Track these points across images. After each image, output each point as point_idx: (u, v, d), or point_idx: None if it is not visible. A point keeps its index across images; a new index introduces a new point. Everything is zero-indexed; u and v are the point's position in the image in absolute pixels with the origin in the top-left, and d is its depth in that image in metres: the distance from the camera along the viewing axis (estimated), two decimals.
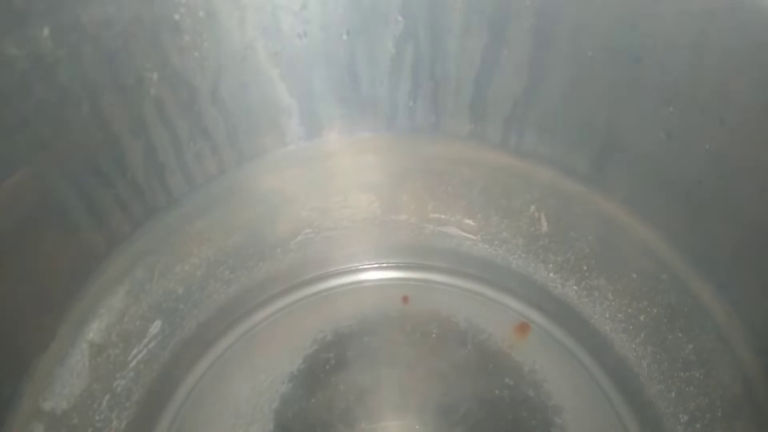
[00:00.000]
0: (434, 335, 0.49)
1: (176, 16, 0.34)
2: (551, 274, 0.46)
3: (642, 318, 0.40)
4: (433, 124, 0.42)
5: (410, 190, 0.47)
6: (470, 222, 0.48)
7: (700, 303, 0.35)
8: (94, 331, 0.40)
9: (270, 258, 0.50)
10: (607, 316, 0.44)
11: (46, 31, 0.30)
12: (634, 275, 0.40)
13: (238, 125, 0.41)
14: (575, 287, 0.45)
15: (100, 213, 0.38)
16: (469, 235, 0.49)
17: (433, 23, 0.37)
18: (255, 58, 0.38)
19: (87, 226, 0.38)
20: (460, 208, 0.47)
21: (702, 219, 0.34)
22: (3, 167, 0.33)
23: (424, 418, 0.44)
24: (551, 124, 0.39)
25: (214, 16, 0.35)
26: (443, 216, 0.49)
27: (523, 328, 0.49)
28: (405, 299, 0.51)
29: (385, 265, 0.53)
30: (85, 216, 0.38)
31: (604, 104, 0.36)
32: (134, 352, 0.44)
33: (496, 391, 0.46)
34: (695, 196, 0.34)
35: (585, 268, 0.43)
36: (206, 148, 0.41)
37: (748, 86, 0.29)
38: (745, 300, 0.32)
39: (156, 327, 0.45)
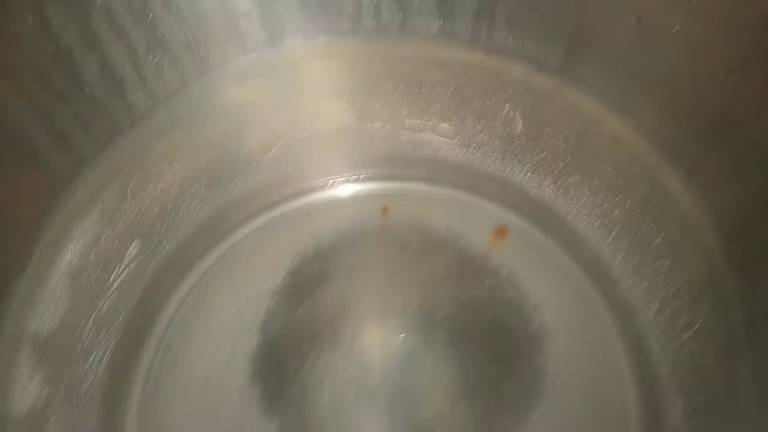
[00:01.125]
0: (414, 244, 0.49)
1: None
2: (528, 175, 0.46)
3: (617, 212, 0.40)
4: (400, 23, 0.41)
5: (383, 96, 0.46)
6: (446, 125, 0.47)
7: (669, 192, 0.35)
8: (71, 252, 0.40)
9: (244, 174, 0.49)
10: (584, 212, 0.44)
11: None
12: (609, 169, 0.40)
13: (197, 33, 0.39)
14: (552, 186, 0.45)
15: (62, 133, 0.37)
16: (446, 140, 0.48)
17: None
18: None
19: (50, 147, 0.37)
20: (435, 112, 0.47)
21: (671, 107, 0.34)
22: None
23: (406, 322, 0.45)
24: (520, 15, 0.37)
25: None
26: (419, 121, 0.48)
27: (502, 231, 0.49)
28: (385, 210, 0.51)
29: (363, 176, 0.52)
30: (47, 137, 0.37)
31: None
32: (115, 273, 0.44)
33: (477, 292, 0.46)
34: (665, 83, 0.33)
35: (561, 165, 0.43)
36: (165, 60, 0.39)
37: None
38: (712, 186, 0.32)
39: (135, 248, 0.45)
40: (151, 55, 0.38)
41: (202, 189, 0.48)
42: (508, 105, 0.43)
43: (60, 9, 0.33)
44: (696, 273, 0.34)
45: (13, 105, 0.35)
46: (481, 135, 0.46)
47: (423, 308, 0.45)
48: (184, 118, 0.43)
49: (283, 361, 0.44)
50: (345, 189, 0.52)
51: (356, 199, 0.52)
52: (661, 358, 0.38)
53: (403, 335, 0.45)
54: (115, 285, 0.44)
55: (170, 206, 0.47)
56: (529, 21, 0.37)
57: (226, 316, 0.46)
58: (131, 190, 0.43)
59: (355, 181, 0.52)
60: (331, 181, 0.52)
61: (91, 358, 0.42)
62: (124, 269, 0.44)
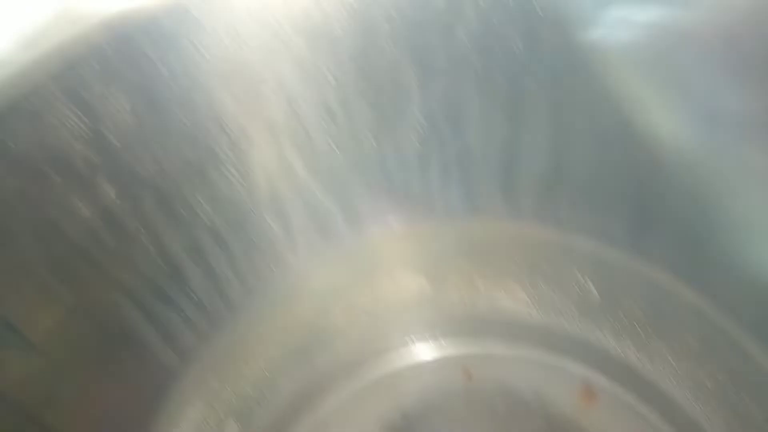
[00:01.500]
0: (501, 410, 0.49)
1: (220, 153, 0.38)
2: (610, 340, 0.46)
3: (708, 383, 0.39)
4: (468, 208, 0.44)
5: (457, 270, 0.49)
6: (522, 294, 0.48)
7: (762, 368, 0.34)
8: None
9: (332, 348, 0.52)
10: (673, 379, 0.43)
11: (110, 190, 0.33)
12: (692, 339, 0.39)
13: (289, 233, 0.44)
14: (636, 351, 0.45)
15: (168, 331, 0.42)
16: (523, 308, 0.49)
17: (454, 119, 0.39)
18: (295, 174, 0.41)
19: (158, 345, 0.41)
20: (508, 282, 0.48)
21: (749, 285, 0.34)
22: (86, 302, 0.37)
23: None
24: (582, 197, 0.39)
25: (254, 145, 0.39)
26: (493, 291, 0.49)
27: (590, 393, 0.48)
28: (468, 375, 0.51)
29: (443, 342, 0.53)
30: (155, 336, 0.41)
31: (633, 174, 0.37)
32: None
33: None
34: (735, 263, 0.33)
35: (641, 333, 0.43)
36: (264, 260, 0.44)
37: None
38: None
39: (232, 428, 0.47)
40: (246, 257, 0.43)
41: (293, 367, 0.50)
42: (579, 274, 0.44)
43: (174, 233, 0.38)
44: None
45: (128, 312, 0.39)
46: (557, 302, 0.47)
47: None
48: (276, 305, 0.47)
49: None
50: (427, 355, 0.53)
51: (439, 365, 0.53)
52: None
53: None
54: None
55: (264, 386, 0.49)
56: (590, 201, 0.39)
57: None
58: (230, 377, 0.46)
59: (437, 347, 0.54)
60: (413, 348, 0.54)
61: None
62: None
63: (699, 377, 0.40)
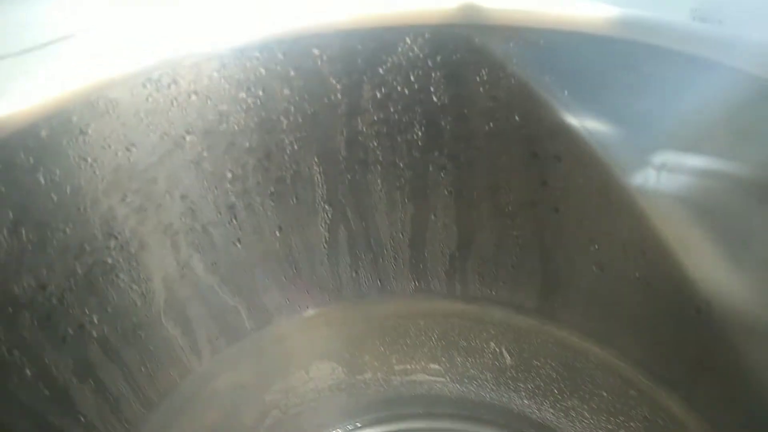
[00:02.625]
0: None
1: (109, 260, 0.34)
2: (525, 401, 0.47)
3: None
4: (378, 289, 0.43)
5: (370, 350, 0.47)
6: (436, 366, 0.48)
7: (672, 414, 0.36)
8: None
9: None
10: None
11: None
12: (604, 393, 0.41)
13: (187, 336, 0.40)
14: (551, 410, 0.46)
15: None
16: (438, 378, 0.49)
17: (359, 205, 0.39)
18: (193, 274, 0.38)
19: None
20: (422, 356, 0.48)
21: (653, 340, 0.36)
22: None
23: None
24: (489, 270, 0.40)
25: (147, 248, 0.36)
26: (408, 366, 0.49)
27: None
28: None
29: (359, 426, 0.52)
30: None
31: (534, 248, 0.38)
32: None
33: None
34: (639, 319, 0.36)
35: (556, 391, 0.44)
36: (158, 367, 0.40)
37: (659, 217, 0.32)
38: (712, 409, 0.34)
39: None
40: (143, 368, 0.39)
41: None
42: (492, 343, 0.44)
43: (57, 353, 0.34)
44: None
45: None
46: (472, 370, 0.47)
47: None
48: (180, 415, 0.43)
49: None
50: None
51: None
52: None
53: None
54: None
55: None
56: (498, 273, 0.40)
57: None
58: None
59: (354, 430, 0.52)
60: None
61: None
62: None
63: (613, 428, 0.41)
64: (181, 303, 0.39)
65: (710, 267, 0.30)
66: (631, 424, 0.40)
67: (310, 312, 0.44)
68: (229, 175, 0.36)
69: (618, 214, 0.33)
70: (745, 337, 0.30)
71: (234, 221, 0.38)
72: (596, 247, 0.35)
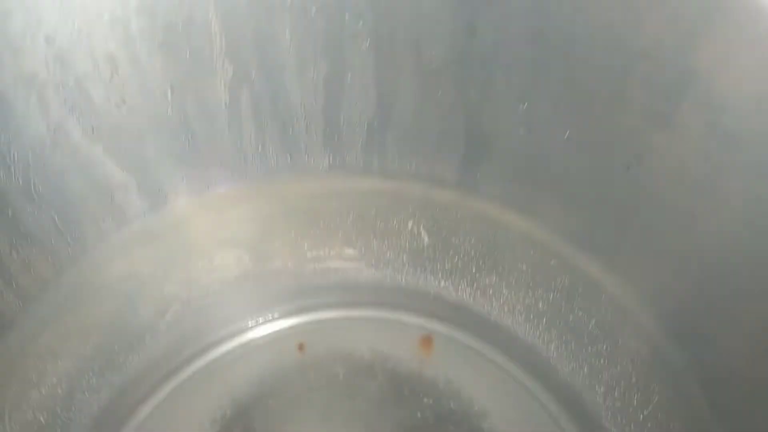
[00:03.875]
0: (341, 376, 0.47)
1: None
2: (442, 283, 0.46)
3: (540, 305, 0.41)
4: (288, 165, 0.40)
5: (281, 235, 0.44)
6: (350, 251, 0.46)
7: (593, 280, 0.36)
8: None
9: (140, 348, 0.44)
10: (506, 310, 0.44)
11: None
12: (524, 267, 0.40)
13: (67, 217, 0.35)
14: (468, 289, 0.45)
15: None
16: (352, 264, 0.47)
17: (265, 62, 0.34)
18: (69, 140, 0.33)
19: None
20: (336, 241, 0.45)
21: (576, 203, 0.35)
22: None
23: None
24: (410, 139, 0.38)
25: (5, 103, 0.29)
26: (321, 252, 0.46)
27: (427, 340, 0.48)
28: (301, 347, 0.48)
29: (270, 318, 0.49)
30: None
31: (459, 110, 0.36)
32: None
33: (418, 414, 0.44)
34: (564, 182, 0.34)
35: (474, 269, 0.43)
36: (33, 252, 0.34)
37: (593, 73, 0.30)
38: (634, 270, 0.34)
39: None
40: (14, 254, 0.33)
41: (95, 378, 0.42)
42: (411, 222, 0.42)
43: None
44: (639, 353, 0.35)
45: None
46: (388, 253, 0.45)
47: None
48: (63, 309, 0.38)
49: None
50: (253, 335, 0.49)
51: (268, 343, 0.48)
52: None
53: None
54: None
55: (59, 408, 0.40)
56: (418, 145, 0.37)
57: None
58: (10, 404, 0.36)
59: (263, 324, 0.49)
60: (236, 330, 0.48)
61: None
62: None
63: (532, 302, 0.41)
64: (56, 176, 0.33)
65: (644, 120, 0.29)
66: (550, 295, 0.40)
67: (211, 192, 0.40)
68: (106, 16, 0.30)
69: (549, 66, 0.31)
70: (672, 191, 0.30)
71: (116, 77, 0.32)
72: (525, 105, 0.33)
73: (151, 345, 0.45)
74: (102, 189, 0.36)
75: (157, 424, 0.44)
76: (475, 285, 0.44)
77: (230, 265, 0.45)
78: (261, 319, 0.49)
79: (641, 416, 0.36)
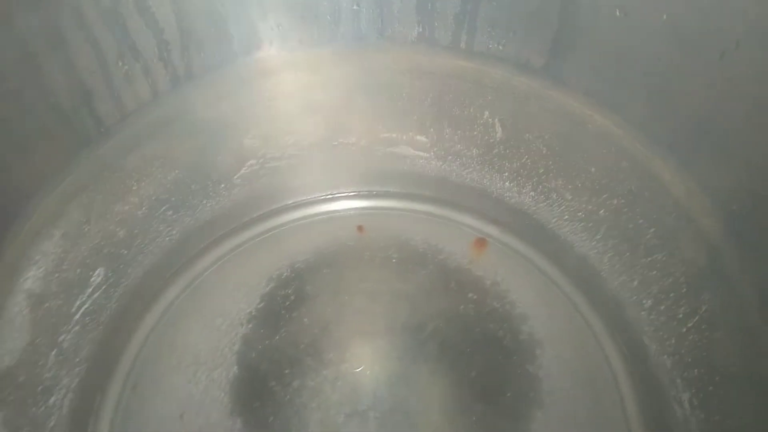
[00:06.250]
0: (394, 260, 0.48)
1: None
2: (507, 183, 0.46)
3: (602, 212, 0.41)
4: (379, 30, 0.40)
5: (358, 109, 0.45)
6: (423, 138, 0.47)
7: (661, 184, 0.35)
8: (31, 279, 0.36)
9: (214, 195, 0.47)
10: (566, 217, 0.44)
11: None
12: (593, 169, 0.40)
13: (169, 41, 0.37)
14: (532, 193, 0.45)
15: (22, 145, 0.34)
16: (422, 153, 0.48)
17: None
18: None
19: (8, 161, 0.34)
20: (411, 124, 0.46)
21: (660, 98, 0.34)
22: None
23: (393, 339, 0.44)
24: (503, 15, 0.37)
25: None
26: (394, 135, 0.47)
27: (481, 242, 0.49)
28: (360, 228, 0.50)
29: (336, 194, 0.51)
30: (6, 149, 0.34)
31: None
32: (78, 303, 0.40)
33: (461, 307, 0.45)
34: (654, 75, 0.34)
35: (542, 170, 0.43)
36: (136, 68, 0.37)
37: None
38: (708, 171, 0.33)
39: (99, 275, 0.42)
40: (120, 62, 0.36)
41: (171, 211, 0.45)
42: (487, 112, 0.43)
43: (27, 12, 0.31)
44: (694, 262, 0.34)
45: None
46: (459, 145, 0.46)
47: (409, 324, 0.44)
48: (154, 132, 0.41)
49: (265, 390, 0.41)
50: (318, 208, 0.51)
51: (331, 219, 0.51)
52: (659, 353, 0.38)
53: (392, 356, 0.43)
54: (77, 316, 0.40)
55: (137, 230, 0.44)
56: (511, 21, 0.37)
57: (198, 346, 0.43)
58: (96, 211, 0.40)
59: (329, 199, 0.51)
60: (303, 200, 0.50)
61: (53, 398, 0.38)
62: (87, 298, 0.41)
63: (593, 208, 0.41)
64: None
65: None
66: (614, 201, 0.39)
67: (303, 48, 0.41)
68: None
69: None
70: (762, 87, 0.29)
71: None
72: None
73: (224, 195, 0.48)
74: (203, 21, 0.38)
75: (219, 272, 0.48)
76: (539, 188, 0.44)
77: (307, 131, 0.47)
78: (327, 195, 0.51)
79: (684, 329, 0.35)
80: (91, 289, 0.41)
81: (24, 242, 0.35)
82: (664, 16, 0.31)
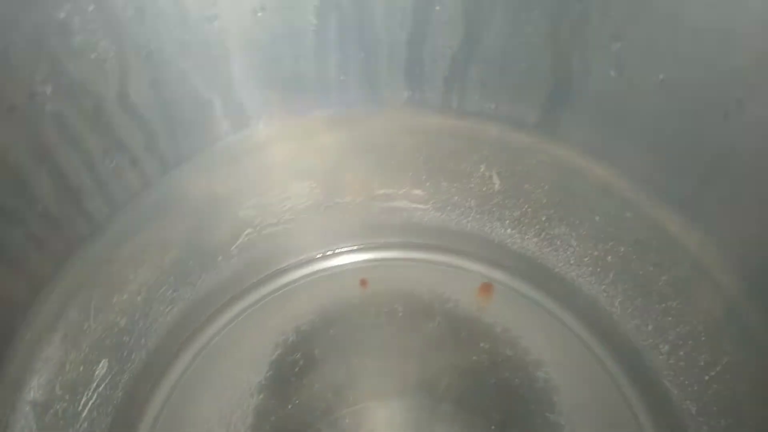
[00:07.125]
0: (400, 314, 0.47)
1: (61, 14, 0.29)
2: (509, 230, 0.46)
3: (609, 258, 0.40)
4: (367, 96, 0.40)
5: (352, 169, 0.45)
6: (419, 192, 0.46)
7: (670, 235, 0.35)
8: (34, 389, 0.35)
9: (212, 268, 0.46)
10: (572, 262, 0.43)
11: None
12: (597, 218, 0.39)
13: (156, 130, 0.36)
14: (535, 239, 0.45)
15: (14, 257, 0.33)
16: (419, 205, 0.47)
17: None
18: (162, 53, 0.34)
19: (2, 274, 0.33)
20: (406, 180, 0.45)
21: (663, 153, 0.34)
22: None
23: (408, 398, 0.43)
24: (494, 76, 0.37)
25: (108, 10, 0.31)
26: (390, 190, 0.46)
27: (487, 288, 0.48)
28: (363, 283, 0.49)
29: (336, 251, 0.50)
30: None
31: (548, 47, 0.34)
32: (84, 400, 0.39)
33: (474, 358, 0.45)
34: (654, 131, 0.33)
35: (544, 218, 0.42)
36: (124, 162, 0.36)
37: (700, 6, 0.28)
38: (719, 225, 0.32)
39: (103, 367, 0.40)
40: (107, 160, 0.35)
41: (170, 291, 0.44)
42: (483, 165, 0.42)
43: (5, 123, 0.30)
44: (711, 313, 0.34)
45: None
46: (456, 197, 0.45)
47: (422, 381, 0.43)
48: (147, 220, 0.40)
49: None
50: (318, 267, 0.50)
51: (332, 276, 0.50)
52: (681, 399, 0.38)
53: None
54: (85, 413, 0.39)
55: (137, 315, 0.43)
56: (503, 80, 0.37)
57: (210, 422, 0.42)
58: (95, 307, 0.39)
59: (329, 257, 0.50)
60: (303, 261, 0.50)
61: None
62: (93, 393, 0.40)
63: (601, 254, 0.40)
64: (145, 87, 0.35)
65: (752, 61, 0.27)
66: (621, 248, 0.39)
67: (291, 118, 0.41)
68: None
69: (648, 5, 0.30)
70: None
71: None
72: (619, 44, 0.32)
73: (223, 266, 0.47)
74: (188, 106, 0.37)
75: (223, 342, 0.47)
76: (543, 234, 0.44)
77: (302, 195, 0.46)
78: (327, 252, 0.50)
79: (706, 377, 0.35)
80: (95, 384, 0.40)
81: (24, 355, 0.34)
82: (661, 77, 0.31)
